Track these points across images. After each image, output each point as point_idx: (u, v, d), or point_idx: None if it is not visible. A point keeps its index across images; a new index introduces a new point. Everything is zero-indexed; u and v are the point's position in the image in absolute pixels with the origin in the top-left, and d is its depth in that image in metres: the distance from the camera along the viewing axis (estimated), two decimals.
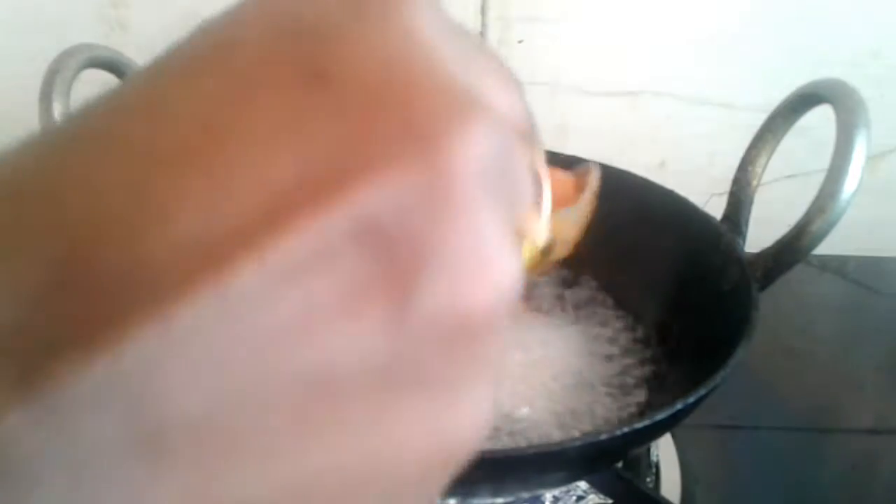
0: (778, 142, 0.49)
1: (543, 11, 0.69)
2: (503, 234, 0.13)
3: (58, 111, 0.41)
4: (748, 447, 0.56)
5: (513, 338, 0.51)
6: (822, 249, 0.42)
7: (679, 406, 0.36)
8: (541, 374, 0.48)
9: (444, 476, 0.14)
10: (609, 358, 0.51)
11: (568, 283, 0.57)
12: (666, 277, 0.53)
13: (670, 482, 0.51)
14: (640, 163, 0.62)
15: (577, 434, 0.44)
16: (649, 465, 0.53)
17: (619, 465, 0.48)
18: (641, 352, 0.51)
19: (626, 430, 0.35)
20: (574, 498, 0.50)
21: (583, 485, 0.50)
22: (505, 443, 0.43)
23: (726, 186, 0.51)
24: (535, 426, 0.44)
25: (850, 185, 0.39)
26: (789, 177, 0.76)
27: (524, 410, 0.45)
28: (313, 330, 0.12)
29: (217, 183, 0.11)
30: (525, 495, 0.42)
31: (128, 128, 0.12)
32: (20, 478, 0.10)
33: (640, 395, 0.48)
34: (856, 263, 0.80)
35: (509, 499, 0.40)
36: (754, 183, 0.50)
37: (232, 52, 0.13)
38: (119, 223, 0.11)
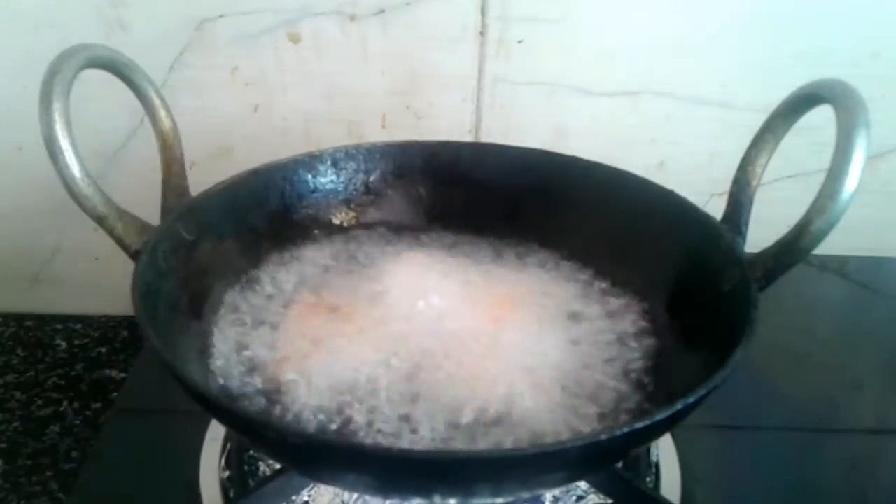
0: (778, 142, 0.49)
1: (543, 11, 0.69)
2: None
3: (58, 111, 0.41)
4: (748, 447, 0.56)
5: (513, 339, 0.51)
6: (822, 249, 0.41)
7: (679, 406, 0.36)
8: (540, 375, 0.48)
9: None
10: (609, 357, 0.51)
11: (567, 283, 0.57)
12: (666, 277, 0.53)
13: (670, 482, 0.51)
14: (640, 163, 0.62)
15: (576, 434, 0.44)
16: (649, 465, 0.53)
17: (619, 465, 0.48)
18: (641, 351, 0.51)
19: (626, 430, 0.35)
20: (574, 498, 0.50)
21: (583, 485, 0.50)
22: (504, 442, 0.43)
23: (726, 186, 0.51)
24: (534, 426, 0.44)
25: (850, 185, 0.39)
26: (789, 177, 0.76)
27: (524, 410, 0.45)
28: None
29: None
30: (525, 495, 0.42)
31: None
32: None
33: (640, 395, 0.48)
34: (856, 263, 0.80)
35: (509, 499, 0.40)
36: (754, 183, 0.50)
37: None
38: None
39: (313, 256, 0.60)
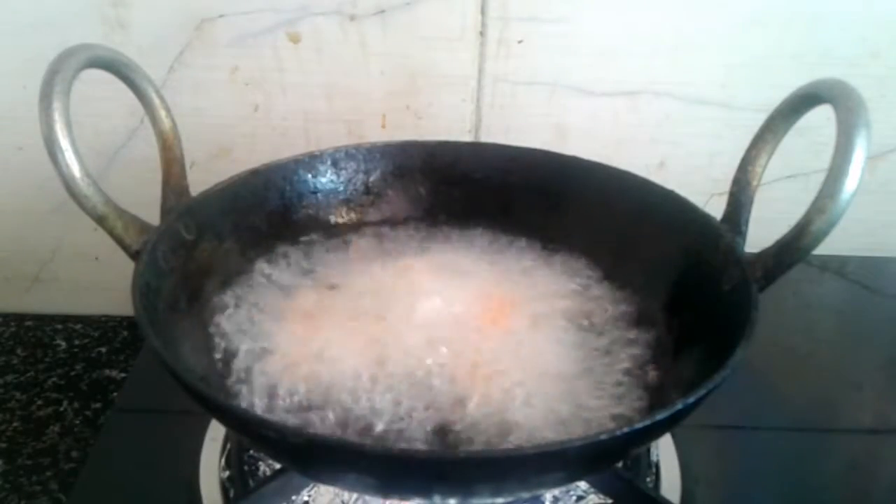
0: (778, 142, 0.49)
1: (543, 11, 0.69)
2: None
3: (58, 111, 0.41)
4: (748, 447, 0.56)
5: (513, 339, 0.51)
6: (822, 249, 0.41)
7: (679, 406, 0.36)
8: (541, 375, 0.48)
9: None
10: (608, 357, 0.51)
11: (567, 283, 0.57)
12: (666, 277, 0.53)
13: (670, 482, 0.51)
14: (640, 163, 0.62)
15: (576, 434, 0.44)
16: (649, 465, 0.53)
17: (619, 465, 0.48)
18: (641, 351, 0.51)
19: (626, 430, 0.35)
20: (574, 498, 0.50)
21: (583, 485, 0.50)
22: (504, 443, 0.43)
23: (726, 186, 0.51)
24: (534, 426, 0.44)
25: (850, 185, 0.39)
26: (789, 177, 0.76)
27: (523, 410, 0.45)
28: None
29: None
30: (525, 495, 0.42)
31: None
32: None
33: (640, 395, 0.48)
34: (856, 263, 0.80)
35: (509, 499, 0.40)
36: (754, 183, 0.50)
37: None
38: None
39: (313, 256, 0.60)
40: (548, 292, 0.56)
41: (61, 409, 0.67)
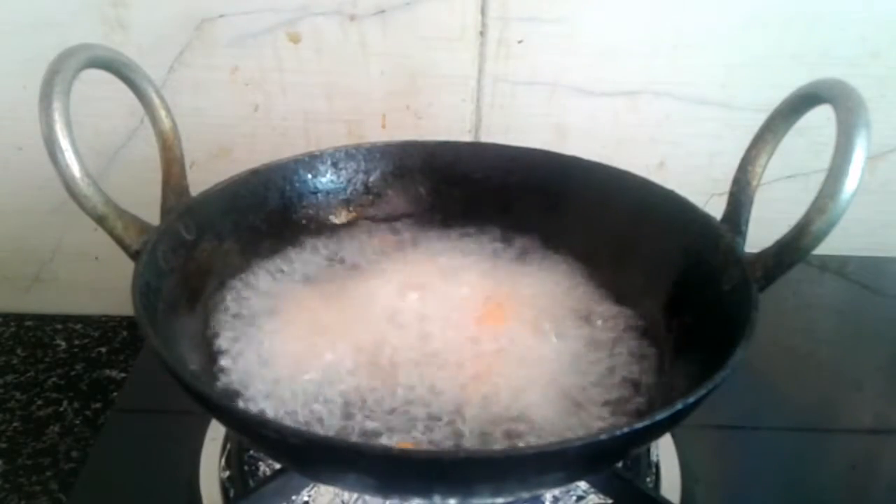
0: (778, 142, 0.49)
1: (543, 11, 0.69)
2: None
3: (58, 111, 0.41)
4: (748, 447, 0.56)
5: (512, 339, 0.51)
6: (822, 249, 0.41)
7: (679, 406, 0.36)
8: (540, 375, 0.48)
9: None
10: (608, 358, 0.51)
11: (567, 283, 0.57)
12: (666, 277, 0.53)
13: (670, 482, 0.51)
14: (640, 163, 0.62)
15: (576, 434, 0.44)
16: (649, 465, 0.53)
17: (619, 465, 0.48)
18: (641, 351, 0.51)
19: (626, 430, 0.35)
20: (574, 498, 0.50)
21: (583, 485, 0.50)
22: (505, 443, 0.43)
23: (726, 186, 0.51)
24: (534, 426, 0.44)
25: (850, 185, 0.39)
26: (789, 177, 0.76)
27: (522, 410, 0.45)
28: None
29: None
30: (525, 495, 0.42)
31: None
32: None
33: (640, 395, 0.48)
34: (856, 263, 0.80)
35: (509, 499, 0.40)
36: (754, 183, 0.50)
37: None
38: None
39: (313, 256, 0.60)
40: (547, 292, 0.56)
41: (61, 409, 0.67)
